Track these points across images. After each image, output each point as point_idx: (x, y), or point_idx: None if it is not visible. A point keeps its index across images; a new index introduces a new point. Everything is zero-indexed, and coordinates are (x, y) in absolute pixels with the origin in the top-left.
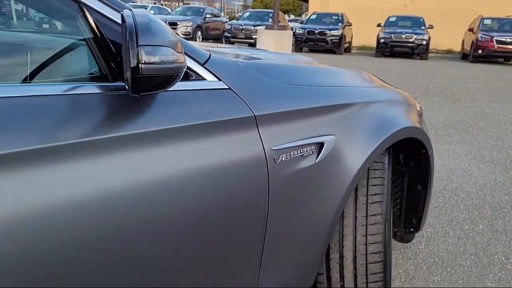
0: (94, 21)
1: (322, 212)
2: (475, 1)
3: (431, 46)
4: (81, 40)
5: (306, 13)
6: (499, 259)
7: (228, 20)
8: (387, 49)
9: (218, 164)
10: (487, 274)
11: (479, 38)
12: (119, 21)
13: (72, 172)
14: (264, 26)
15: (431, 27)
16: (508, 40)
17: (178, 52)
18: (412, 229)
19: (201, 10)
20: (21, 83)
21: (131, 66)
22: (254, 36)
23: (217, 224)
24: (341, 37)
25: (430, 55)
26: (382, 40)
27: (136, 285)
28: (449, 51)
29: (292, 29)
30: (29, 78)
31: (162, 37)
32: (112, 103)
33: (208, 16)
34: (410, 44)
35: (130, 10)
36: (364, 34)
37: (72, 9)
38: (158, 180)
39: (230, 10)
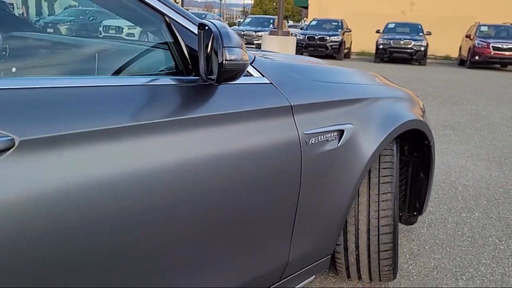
0: (174, 29)
1: (341, 190)
2: (472, 8)
3: (429, 52)
4: (162, 43)
5: (305, 19)
6: (493, 241)
7: (228, 26)
8: (386, 55)
9: (264, 144)
10: (482, 253)
11: (476, 45)
12: (193, 30)
13: (154, 146)
14: (269, 32)
15: (429, 33)
16: (505, 46)
17: (244, 52)
18: (415, 213)
19: (203, 16)
20: (112, 75)
21: (218, 62)
22: (255, 42)
23: (262, 195)
24: (341, 43)
25: (428, 61)
26: (381, 46)
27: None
28: (447, 57)
29: (292, 35)
30: (117, 72)
31: (235, 40)
32: (186, 92)
33: None
34: (408, 50)
35: (209, 21)
36: (363, 40)
37: (158, 19)
38: (220, 155)
39: (229, 16)
